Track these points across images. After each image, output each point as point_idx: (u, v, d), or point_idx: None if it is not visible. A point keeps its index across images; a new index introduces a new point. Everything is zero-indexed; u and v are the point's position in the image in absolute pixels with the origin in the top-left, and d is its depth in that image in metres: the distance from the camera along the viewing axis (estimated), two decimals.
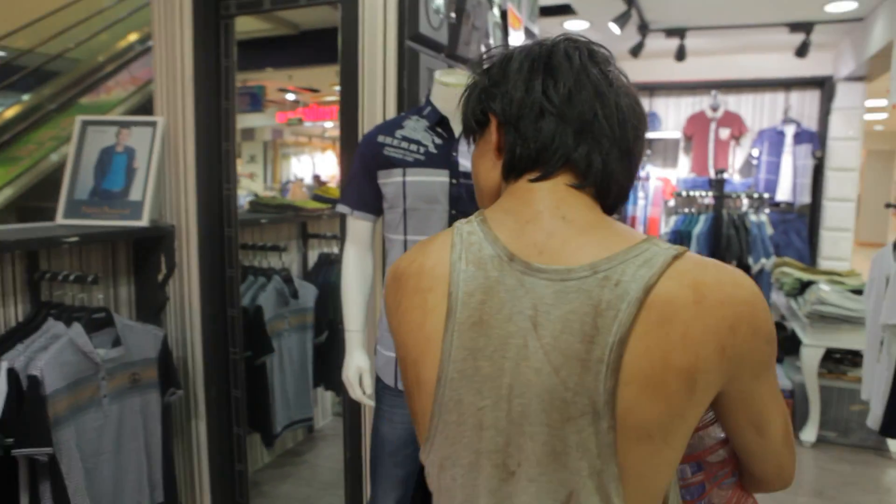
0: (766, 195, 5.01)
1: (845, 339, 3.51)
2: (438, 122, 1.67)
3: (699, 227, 4.71)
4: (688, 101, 5.90)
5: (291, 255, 3.39)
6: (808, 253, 5.36)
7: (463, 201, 1.62)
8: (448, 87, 1.67)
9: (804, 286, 3.90)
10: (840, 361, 3.83)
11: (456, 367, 0.68)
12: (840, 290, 3.60)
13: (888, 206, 2.52)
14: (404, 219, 1.65)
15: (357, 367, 1.72)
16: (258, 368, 2.71)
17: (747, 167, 5.74)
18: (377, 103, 1.93)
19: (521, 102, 0.72)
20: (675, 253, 0.64)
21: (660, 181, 5.80)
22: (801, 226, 5.39)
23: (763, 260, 4.79)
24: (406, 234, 1.66)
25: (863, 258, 7.49)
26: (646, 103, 6.05)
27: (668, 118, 5.99)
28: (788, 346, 4.09)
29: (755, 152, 5.59)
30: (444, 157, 1.64)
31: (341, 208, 1.75)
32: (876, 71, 5.11)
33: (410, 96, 1.89)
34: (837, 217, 5.31)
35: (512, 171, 0.75)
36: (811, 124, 5.39)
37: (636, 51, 4.79)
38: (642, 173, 5.80)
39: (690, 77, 5.76)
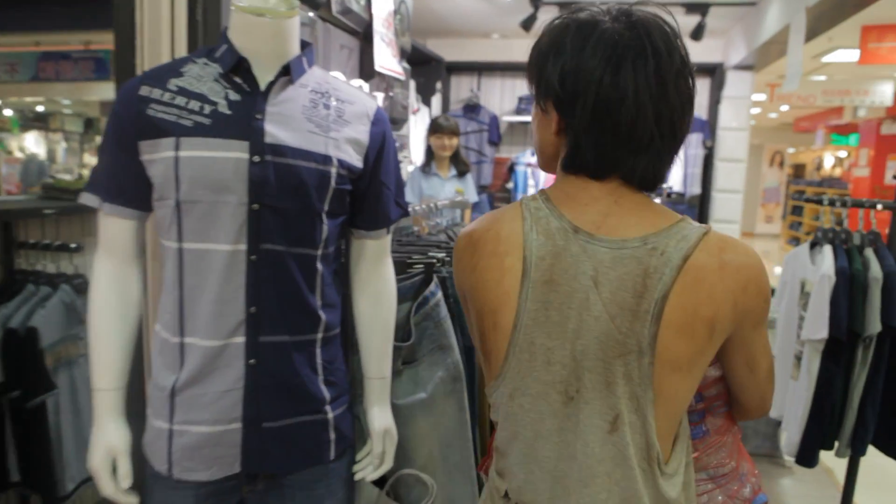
0: None
1: None
2: (236, 68, 1.09)
3: None
4: None
5: None
6: None
7: (271, 189, 1.06)
8: (250, 15, 1.09)
9: None
10: None
11: (530, 315, 0.84)
12: None
13: (808, 200, 2.22)
14: (178, 216, 1.06)
15: (108, 448, 1.12)
16: (34, 411, 2.01)
17: None
18: (162, 44, 1.31)
19: (589, 120, 0.81)
20: (705, 230, 0.82)
21: None
22: (692, 217, 5.24)
23: None
24: (181, 241, 1.07)
25: None
26: None
27: None
28: None
29: None
30: (241, 121, 1.06)
31: (86, 199, 1.13)
32: (764, 60, 5.02)
33: (209, 34, 1.29)
34: (726, 209, 5.20)
35: (569, 168, 0.86)
36: (701, 112, 5.23)
37: (528, 24, 4.38)
38: (532, 159, 5.45)
39: None
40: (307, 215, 1.10)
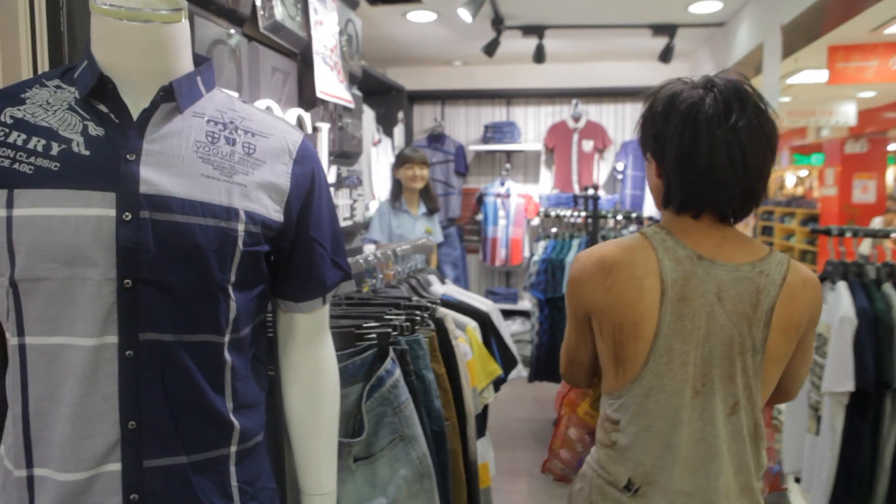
0: (633, 214, 4.56)
1: None
2: (98, 92, 0.79)
3: (572, 255, 4.12)
4: (548, 111, 5.41)
5: None
6: None
7: (150, 257, 0.76)
8: (114, 20, 0.80)
9: None
10: None
11: (669, 326, 1.03)
12: None
13: (814, 231, 1.99)
14: (15, 300, 0.75)
15: None
16: None
17: (612, 182, 5.33)
18: (21, 64, 1.01)
19: (674, 164, 1.04)
20: (789, 258, 1.07)
21: (521, 198, 5.23)
22: None
23: None
24: (22, 334, 0.76)
25: None
26: (503, 112, 5.49)
27: (528, 128, 5.45)
28: None
29: (620, 166, 5.18)
30: (106, 165, 0.76)
31: None
32: None
33: (78, 49, 1.00)
34: None
35: (666, 203, 1.10)
36: None
37: (491, 49, 4.16)
38: (502, 189, 5.21)
39: (550, 84, 5.27)
40: (205, 291, 0.80)
